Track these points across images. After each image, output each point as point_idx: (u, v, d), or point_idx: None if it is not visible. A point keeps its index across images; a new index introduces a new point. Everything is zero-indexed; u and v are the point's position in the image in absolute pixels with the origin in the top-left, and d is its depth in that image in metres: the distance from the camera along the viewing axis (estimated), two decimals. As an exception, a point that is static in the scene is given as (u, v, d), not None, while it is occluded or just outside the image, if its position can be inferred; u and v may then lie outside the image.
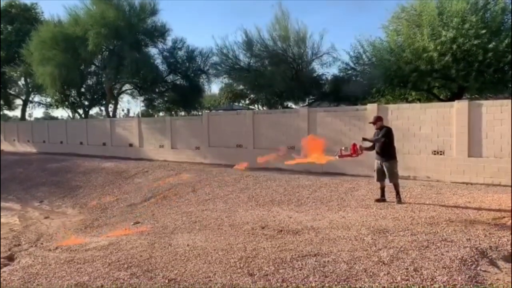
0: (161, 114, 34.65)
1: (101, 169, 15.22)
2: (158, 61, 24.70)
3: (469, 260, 4.55)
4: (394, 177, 7.75)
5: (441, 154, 10.74)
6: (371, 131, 8.42)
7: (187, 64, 24.99)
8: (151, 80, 23.78)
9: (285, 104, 22.49)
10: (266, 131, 14.56)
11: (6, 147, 26.61)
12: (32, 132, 25.66)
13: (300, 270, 4.48)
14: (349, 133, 12.30)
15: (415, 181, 10.42)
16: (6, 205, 11.36)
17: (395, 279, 4.12)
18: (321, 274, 4.33)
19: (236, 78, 22.53)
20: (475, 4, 13.96)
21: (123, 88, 27.62)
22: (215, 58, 22.87)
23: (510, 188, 8.75)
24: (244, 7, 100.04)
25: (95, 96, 28.24)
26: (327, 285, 4.07)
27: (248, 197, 9.30)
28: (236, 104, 30.60)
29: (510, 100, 9.99)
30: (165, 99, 28.05)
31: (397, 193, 7.88)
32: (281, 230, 6.23)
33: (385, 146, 7.70)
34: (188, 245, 5.72)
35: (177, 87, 25.65)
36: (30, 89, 31.86)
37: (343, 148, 7.63)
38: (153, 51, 24.56)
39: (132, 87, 27.67)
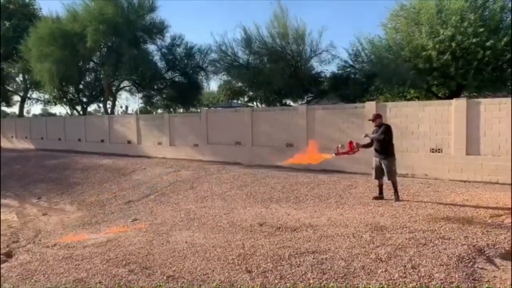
0: (159, 111, 34.57)
1: (99, 166, 15.20)
2: (157, 58, 24.65)
3: (467, 258, 4.57)
4: (392, 175, 7.77)
5: (439, 152, 10.76)
6: (369, 129, 8.43)
7: (186, 61, 24.93)
8: (150, 77, 23.71)
9: (284, 101, 22.45)
10: (264, 129, 14.56)
11: (4, 143, 26.54)
12: (30, 128, 25.59)
13: (298, 267, 4.49)
14: (347, 131, 12.30)
15: (413, 179, 10.44)
16: (4, 201, 11.33)
17: (393, 276, 4.14)
18: (319, 271, 4.35)
19: (235, 75, 22.47)
20: (474, 2, 13.96)
21: (122, 85, 27.53)
22: (213, 55, 22.83)
23: (509, 186, 8.78)
24: (243, 4, 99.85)
25: (93, 93, 28.15)
26: (325, 282, 4.09)
27: (247, 195, 9.31)
28: (235, 101, 30.52)
29: (508, 98, 10.01)
30: (164, 96, 27.97)
31: (395, 190, 7.89)
32: (279, 227, 6.24)
33: (384, 143, 7.70)
34: (186, 242, 5.73)
35: (175, 84, 25.60)
36: (28, 86, 31.74)
37: (339, 145, 7.65)
38: (151, 48, 24.53)
39: (130, 84, 27.59)
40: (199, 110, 25.67)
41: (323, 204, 7.97)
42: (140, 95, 30.13)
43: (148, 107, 34.18)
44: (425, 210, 6.99)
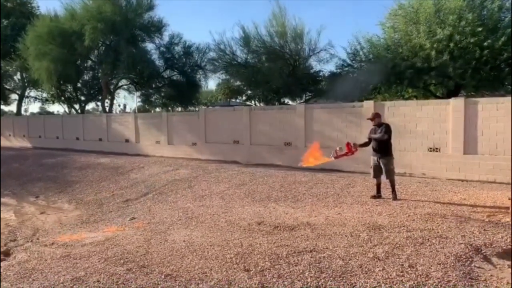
0: (157, 109, 34.51)
1: (97, 164, 15.19)
2: (155, 56, 24.61)
3: (464, 257, 4.59)
4: (390, 174, 7.78)
5: (437, 151, 10.79)
6: (367, 128, 8.43)
7: (184, 59, 24.90)
8: (148, 75, 23.69)
9: (282, 100, 22.48)
10: (263, 128, 14.57)
11: (2, 142, 26.47)
12: (28, 127, 25.54)
13: (296, 265, 4.50)
14: (345, 130, 12.33)
15: (411, 178, 10.46)
16: (2, 200, 11.30)
17: (390, 275, 4.15)
18: (316, 269, 4.35)
19: (233, 74, 22.49)
20: (472, 1, 13.97)
21: (120, 84, 27.50)
22: (212, 54, 22.84)
23: (507, 185, 8.81)
24: (241, 3, 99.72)
25: (91, 91, 28.08)
26: (322, 280, 4.09)
27: (245, 193, 9.32)
28: (233, 100, 30.52)
29: (506, 98, 10.05)
30: (162, 94, 27.95)
31: (393, 189, 7.91)
32: (277, 226, 6.25)
33: (383, 142, 7.71)
34: (184, 240, 5.73)
35: (173, 83, 25.57)
36: (26, 84, 31.67)
37: (338, 148, 7.67)
38: (149, 46, 24.49)
39: (128, 83, 27.56)
40: (197, 109, 25.63)
41: (321, 203, 7.99)
42: (138, 93, 30.10)
43: (146, 105, 34.11)
44: (422, 209, 7.01)
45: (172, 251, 5.26)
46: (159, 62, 24.78)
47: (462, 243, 5.01)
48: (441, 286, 3.90)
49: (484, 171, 9.96)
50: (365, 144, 7.97)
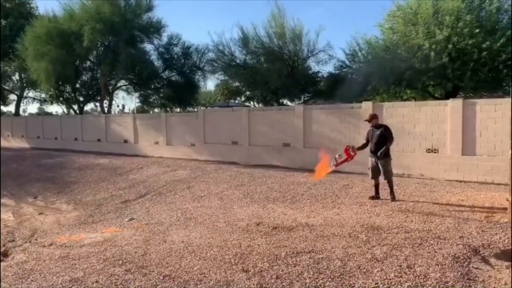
0: (156, 110, 34.49)
1: (95, 165, 15.17)
2: (154, 57, 24.63)
3: (462, 257, 4.60)
4: (388, 175, 7.80)
5: (435, 152, 10.81)
6: (366, 129, 8.44)
7: (183, 60, 24.91)
8: (147, 76, 23.69)
9: (281, 101, 22.50)
10: (261, 128, 14.57)
11: (1, 142, 26.43)
12: (26, 127, 25.50)
13: (295, 266, 4.51)
14: (344, 131, 12.34)
15: (409, 179, 10.47)
16: (0, 201, 11.28)
17: (389, 276, 4.16)
18: (315, 270, 4.36)
19: (232, 75, 22.49)
20: (470, 3, 14.01)
21: (118, 84, 27.48)
22: (211, 55, 22.86)
23: (505, 187, 8.82)
24: (240, 4, 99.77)
25: (90, 92, 28.06)
26: (321, 281, 4.10)
27: (243, 194, 9.32)
28: (232, 101, 30.54)
29: (503, 99, 10.08)
30: (161, 95, 27.94)
31: (391, 190, 7.92)
32: (276, 227, 6.26)
33: (381, 144, 7.72)
34: (183, 241, 5.74)
35: (172, 84, 25.57)
36: (25, 84, 31.63)
37: (337, 156, 7.70)
38: (148, 47, 24.49)
39: (127, 83, 27.55)
40: (196, 110, 25.64)
41: (319, 204, 8.00)
42: (137, 94, 30.07)
43: (145, 106, 34.08)
44: (421, 210, 7.03)
45: (170, 251, 5.27)
46: (158, 63, 24.81)
47: (460, 244, 5.03)
48: (439, 287, 3.92)
49: (482, 172, 9.98)
50: (363, 146, 8.02)
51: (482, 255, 4.75)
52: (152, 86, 26.47)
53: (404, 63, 14.59)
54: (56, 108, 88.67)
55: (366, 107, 11.81)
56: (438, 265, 4.39)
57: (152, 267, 4.70)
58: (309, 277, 4.20)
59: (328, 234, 5.68)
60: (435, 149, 10.81)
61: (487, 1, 14.01)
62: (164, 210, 8.38)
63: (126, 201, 10.06)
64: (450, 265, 4.39)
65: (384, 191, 8.13)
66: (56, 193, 12.01)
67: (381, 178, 7.89)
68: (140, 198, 10.24)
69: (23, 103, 35.00)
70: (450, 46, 13.61)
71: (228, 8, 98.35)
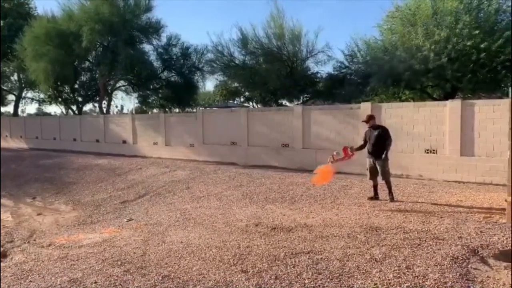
0: (155, 111, 34.48)
1: (94, 165, 15.16)
2: (153, 57, 24.64)
3: (460, 258, 4.61)
4: (386, 175, 7.80)
5: (433, 153, 10.82)
6: (364, 130, 8.44)
7: (182, 61, 24.92)
8: (145, 76, 23.68)
9: (280, 102, 22.51)
10: (260, 129, 14.57)
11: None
12: (25, 128, 25.48)
13: (293, 267, 4.51)
14: (343, 131, 12.36)
15: (407, 180, 10.49)
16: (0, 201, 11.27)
17: (387, 277, 4.17)
18: (314, 271, 4.37)
19: (231, 76, 22.51)
20: (469, 4, 14.04)
21: (117, 85, 27.48)
22: (210, 55, 22.87)
23: (503, 187, 8.83)
24: (239, 4, 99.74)
25: (89, 93, 28.05)
26: (320, 282, 4.11)
27: (242, 195, 9.32)
28: (231, 101, 30.52)
29: (502, 100, 10.09)
30: (159, 95, 27.94)
31: (390, 191, 7.93)
32: (275, 228, 6.26)
33: (379, 144, 7.74)
34: (182, 242, 5.73)
35: (171, 84, 25.57)
36: (23, 85, 31.60)
37: (335, 153, 7.76)
38: (147, 47, 24.49)
39: (126, 84, 27.53)
40: (195, 110, 25.62)
41: (318, 205, 8.00)
42: (136, 94, 30.07)
43: (143, 107, 34.08)
44: (419, 211, 7.04)
45: (169, 252, 5.26)
46: (156, 64, 24.81)
47: (458, 245, 5.03)
48: (437, 287, 3.92)
49: (480, 173, 10.00)
50: (361, 147, 8.05)
51: (481, 255, 4.75)
52: (151, 87, 26.47)
53: (403, 63, 14.61)
54: (54, 109, 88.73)
55: (365, 107, 11.83)
56: (437, 265, 4.40)
57: (151, 268, 4.70)
58: (308, 278, 4.20)
59: (327, 235, 5.68)
60: (433, 150, 10.83)
61: (485, 2, 14.04)
62: (163, 211, 8.38)
63: (125, 202, 10.05)
64: (449, 265, 4.40)
65: (383, 192, 8.14)
66: (55, 194, 11.99)
67: (379, 179, 7.90)
68: (139, 198, 10.23)
69: (22, 103, 35.01)
70: (449, 47, 13.64)
71: (227, 8, 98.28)
